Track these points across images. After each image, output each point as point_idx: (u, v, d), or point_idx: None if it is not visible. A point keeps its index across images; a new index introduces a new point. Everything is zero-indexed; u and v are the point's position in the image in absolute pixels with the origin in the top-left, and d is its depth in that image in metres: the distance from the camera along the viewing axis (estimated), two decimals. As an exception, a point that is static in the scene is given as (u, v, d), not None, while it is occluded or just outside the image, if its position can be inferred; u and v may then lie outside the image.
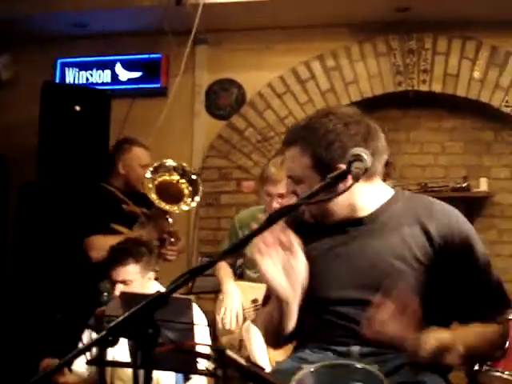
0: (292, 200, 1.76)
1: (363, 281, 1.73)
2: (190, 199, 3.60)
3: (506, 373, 3.07)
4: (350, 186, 1.57)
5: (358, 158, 1.57)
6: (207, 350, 1.39)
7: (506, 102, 4.72)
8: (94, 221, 3.65)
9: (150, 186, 3.53)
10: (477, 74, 4.77)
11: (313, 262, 1.79)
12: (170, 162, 3.65)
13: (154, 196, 3.52)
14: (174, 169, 3.65)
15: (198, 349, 1.86)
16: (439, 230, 1.73)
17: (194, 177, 3.64)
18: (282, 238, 1.65)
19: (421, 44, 4.83)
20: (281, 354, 2.57)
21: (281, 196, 3.15)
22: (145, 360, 1.23)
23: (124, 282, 2.87)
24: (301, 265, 1.67)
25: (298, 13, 4.72)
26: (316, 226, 1.84)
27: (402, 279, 1.70)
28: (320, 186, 1.53)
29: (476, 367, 3.20)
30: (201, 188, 3.62)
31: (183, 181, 3.64)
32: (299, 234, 1.83)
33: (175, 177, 3.64)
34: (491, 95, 4.74)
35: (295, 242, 1.66)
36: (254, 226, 1.44)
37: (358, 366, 1.54)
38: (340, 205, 1.76)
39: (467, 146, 4.98)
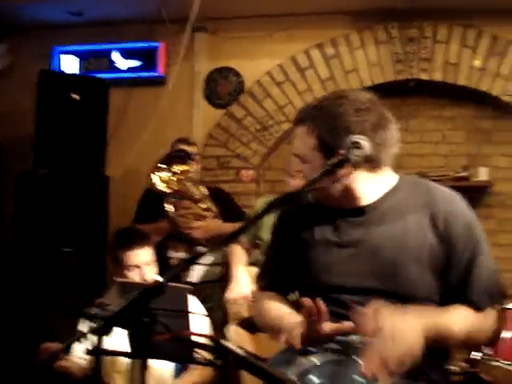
0: (302, 180, 1.74)
1: (364, 269, 1.72)
2: None
3: (507, 363, 3.09)
4: (349, 174, 1.55)
5: (357, 145, 1.55)
6: (205, 340, 1.36)
7: (507, 91, 4.69)
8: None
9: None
10: (477, 63, 4.73)
11: (314, 246, 1.78)
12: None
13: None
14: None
15: (196, 338, 1.85)
16: (443, 216, 1.71)
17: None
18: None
19: (421, 32, 4.79)
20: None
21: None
22: (141, 349, 1.21)
23: (138, 267, 2.80)
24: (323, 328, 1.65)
25: (297, 0, 4.68)
26: (319, 211, 1.82)
27: (403, 267, 1.69)
28: (320, 174, 1.51)
29: (476, 356, 3.22)
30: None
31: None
32: (301, 219, 1.82)
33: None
34: (491, 84, 4.71)
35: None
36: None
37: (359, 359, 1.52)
38: (340, 191, 1.73)
39: (467, 135, 4.95)
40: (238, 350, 1.26)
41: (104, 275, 4.30)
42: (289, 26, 4.89)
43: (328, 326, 1.60)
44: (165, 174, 3.66)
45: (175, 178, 3.69)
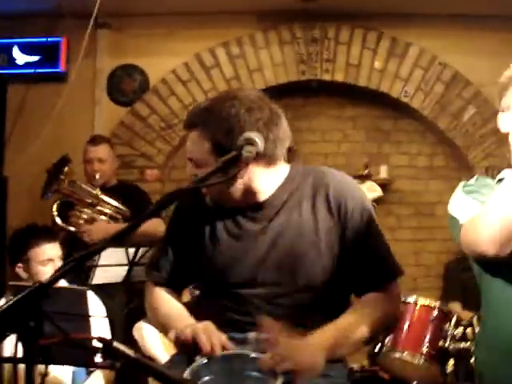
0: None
1: (264, 261, 1.73)
2: None
3: (405, 353, 3.20)
4: (240, 170, 1.55)
5: (250, 141, 1.56)
6: (97, 342, 1.34)
7: (405, 91, 4.87)
8: None
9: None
10: (377, 64, 4.88)
11: (213, 241, 1.78)
12: None
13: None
14: None
15: (91, 341, 1.80)
16: (335, 198, 1.75)
17: None
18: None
19: (324, 33, 4.89)
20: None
21: None
22: (26, 354, 1.17)
23: (51, 260, 2.78)
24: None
25: (202, -1, 4.68)
26: (217, 209, 1.82)
27: (301, 255, 1.71)
28: (212, 170, 1.50)
29: (376, 349, 3.31)
30: None
31: None
32: (200, 213, 1.81)
33: None
34: (391, 85, 4.87)
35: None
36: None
37: (254, 355, 1.53)
38: (239, 189, 1.74)
39: (368, 135, 5.10)
40: (129, 352, 1.24)
41: (3, 278, 4.14)
42: (194, 24, 4.87)
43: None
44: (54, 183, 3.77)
45: (64, 183, 3.78)
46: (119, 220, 3.88)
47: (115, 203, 3.87)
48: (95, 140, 4.04)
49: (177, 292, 1.91)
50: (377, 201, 4.91)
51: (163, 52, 4.91)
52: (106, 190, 3.94)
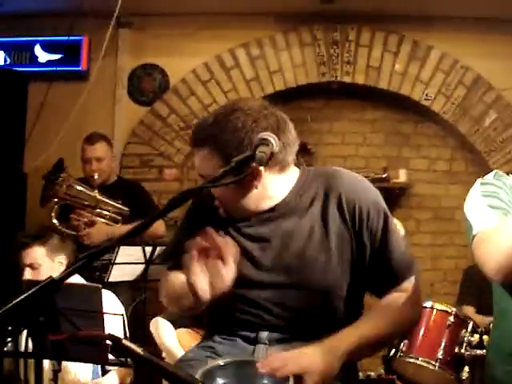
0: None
1: (274, 263, 1.72)
2: None
3: (420, 359, 3.17)
4: (255, 170, 1.54)
5: (264, 142, 1.55)
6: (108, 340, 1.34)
7: (426, 95, 4.84)
8: None
9: None
10: (398, 67, 4.86)
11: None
12: None
13: None
14: None
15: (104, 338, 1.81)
16: (348, 200, 1.73)
17: None
18: (215, 244, 1.60)
19: (345, 36, 4.88)
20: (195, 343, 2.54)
21: None
22: (36, 349, 1.17)
23: (31, 266, 2.78)
24: (230, 272, 1.60)
25: (223, 0, 4.68)
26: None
27: (311, 258, 1.70)
28: (224, 170, 1.49)
29: (391, 353, 3.28)
30: None
31: None
32: (212, 215, 1.80)
33: None
34: (412, 88, 4.84)
35: (229, 250, 1.61)
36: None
37: None
38: (255, 198, 1.73)
39: (387, 138, 5.07)
40: (139, 350, 1.24)
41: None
42: (214, 25, 4.88)
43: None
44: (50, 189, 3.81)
45: (61, 188, 3.79)
46: (119, 221, 3.88)
47: (115, 203, 3.89)
48: (92, 138, 4.00)
49: None
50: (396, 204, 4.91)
51: (184, 52, 4.93)
52: (105, 187, 3.93)
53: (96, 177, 3.89)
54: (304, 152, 4.71)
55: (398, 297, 1.73)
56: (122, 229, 3.78)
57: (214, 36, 4.90)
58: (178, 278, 1.77)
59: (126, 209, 3.87)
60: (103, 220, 3.85)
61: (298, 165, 1.84)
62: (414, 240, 4.86)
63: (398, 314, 1.71)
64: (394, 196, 4.90)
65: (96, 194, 3.85)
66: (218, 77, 4.92)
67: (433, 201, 5.01)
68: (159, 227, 3.84)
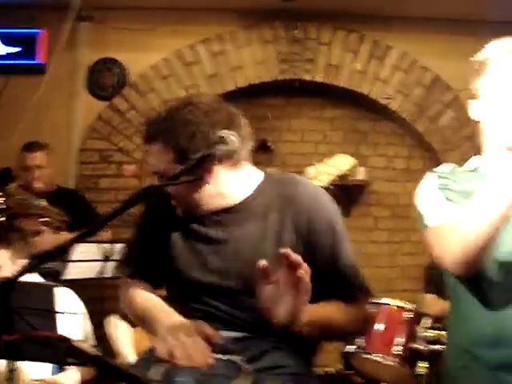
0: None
1: (226, 268, 1.71)
2: None
3: (377, 354, 3.22)
4: (212, 167, 1.54)
5: (223, 140, 1.54)
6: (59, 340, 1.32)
7: (385, 94, 4.90)
8: None
9: None
10: (358, 66, 4.90)
11: (180, 242, 1.76)
12: None
13: None
14: None
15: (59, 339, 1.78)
16: (305, 213, 1.71)
17: None
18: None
19: (305, 33, 4.90)
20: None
21: None
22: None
23: None
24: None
25: (184, -5, 4.66)
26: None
27: (274, 262, 1.68)
28: (183, 169, 1.48)
29: (349, 349, 3.32)
30: None
31: None
32: (168, 216, 1.79)
33: None
34: (371, 87, 4.89)
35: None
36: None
37: (220, 356, 1.52)
38: (208, 194, 1.71)
39: (346, 136, 5.12)
40: (90, 351, 1.22)
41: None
42: (175, 20, 4.85)
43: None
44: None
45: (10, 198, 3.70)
46: (63, 228, 3.82)
47: (58, 212, 3.83)
48: (32, 146, 3.94)
49: (152, 286, 1.87)
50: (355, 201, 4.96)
51: (144, 47, 4.88)
52: (46, 196, 3.86)
53: (38, 185, 3.84)
54: (263, 149, 4.74)
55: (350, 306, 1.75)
56: (68, 237, 3.74)
57: (174, 31, 4.87)
58: (138, 297, 1.79)
59: (68, 216, 3.82)
60: (49, 229, 3.78)
61: (258, 164, 1.84)
62: (372, 237, 4.92)
63: (352, 314, 1.73)
64: (353, 193, 4.95)
65: (43, 202, 3.79)
66: (179, 72, 4.89)
67: (391, 198, 5.07)
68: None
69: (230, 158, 1.64)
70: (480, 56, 1.73)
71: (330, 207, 1.77)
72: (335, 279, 1.72)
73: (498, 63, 1.67)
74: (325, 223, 1.72)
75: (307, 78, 4.89)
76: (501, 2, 4.50)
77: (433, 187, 1.73)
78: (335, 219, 1.76)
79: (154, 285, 1.88)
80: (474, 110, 1.74)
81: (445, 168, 1.79)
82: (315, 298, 1.66)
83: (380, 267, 4.87)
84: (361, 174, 4.92)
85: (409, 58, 4.90)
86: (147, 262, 1.85)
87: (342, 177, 3.44)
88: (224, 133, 1.57)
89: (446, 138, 4.87)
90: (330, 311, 1.70)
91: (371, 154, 5.10)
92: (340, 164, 2.72)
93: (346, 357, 3.36)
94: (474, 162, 1.79)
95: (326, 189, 2.15)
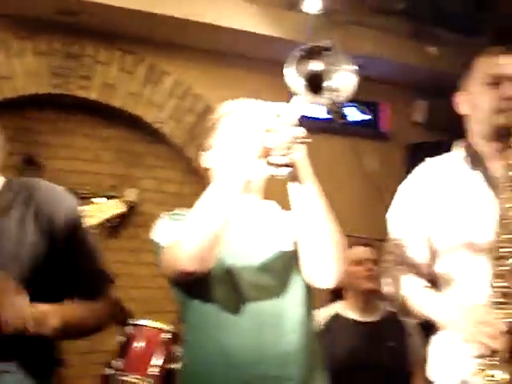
0: None
1: None
2: None
3: (133, 376, 3.24)
4: None
5: None
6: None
7: (158, 118, 4.99)
8: None
9: None
10: (133, 88, 4.94)
11: None
12: None
13: None
14: None
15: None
16: (46, 211, 1.77)
17: None
18: None
19: (82, 50, 4.83)
20: None
21: None
22: None
23: None
24: None
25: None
26: None
27: (2, 267, 1.69)
28: None
29: (108, 372, 3.30)
30: None
31: None
32: None
33: None
34: (145, 110, 4.96)
35: None
36: None
37: None
38: None
39: (119, 156, 5.11)
40: None
41: None
42: None
43: None
44: None
45: None
46: None
47: None
48: None
49: None
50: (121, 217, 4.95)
51: None
52: None
53: None
54: (31, 164, 4.54)
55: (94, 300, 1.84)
56: None
57: None
58: None
59: None
60: None
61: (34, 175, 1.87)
62: (140, 259, 4.93)
63: (96, 309, 1.84)
64: (122, 214, 4.93)
65: None
66: None
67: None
68: None
69: None
70: (214, 114, 2.06)
71: (71, 206, 1.84)
72: (80, 270, 1.82)
73: (224, 121, 2.00)
74: (65, 220, 1.79)
75: (82, 94, 4.82)
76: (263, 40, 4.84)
77: (163, 220, 1.95)
78: (75, 213, 1.84)
79: None
80: (204, 159, 2.04)
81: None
82: (59, 296, 1.74)
83: (147, 288, 4.89)
84: (130, 195, 4.94)
85: (183, 86, 5.06)
86: None
87: (109, 220, 3.59)
88: None
89: (214, 166, 5.07)
90: (76, 310, 1.77)
91: (143, 176, 5.15)
92: (111, 209, 2.90)
93: (105, 380, 3.33)
94: None
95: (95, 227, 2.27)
